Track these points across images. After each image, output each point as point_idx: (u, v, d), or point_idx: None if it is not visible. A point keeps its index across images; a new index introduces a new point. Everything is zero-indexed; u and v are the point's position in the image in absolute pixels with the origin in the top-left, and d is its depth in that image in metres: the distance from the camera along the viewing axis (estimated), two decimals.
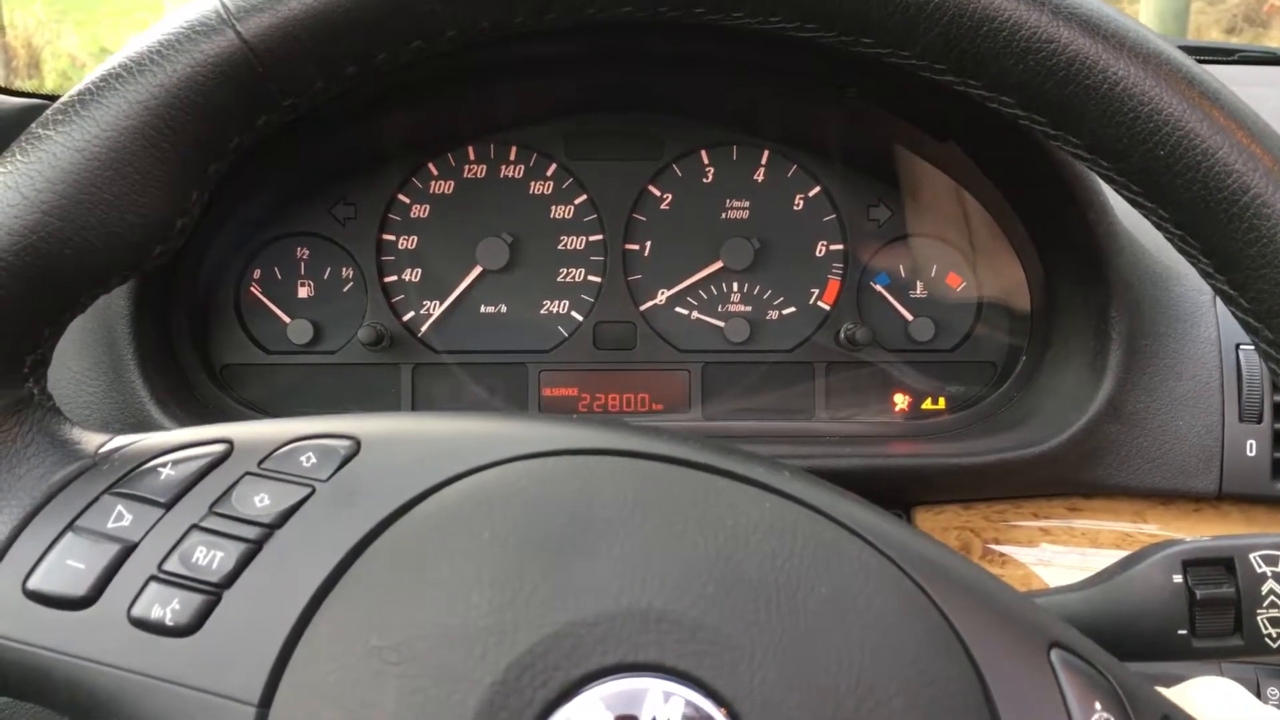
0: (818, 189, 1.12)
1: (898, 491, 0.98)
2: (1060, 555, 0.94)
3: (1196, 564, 0.65)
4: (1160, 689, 0.51)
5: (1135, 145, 0.47)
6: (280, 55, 0.48)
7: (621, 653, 0.41)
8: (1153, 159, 0.47)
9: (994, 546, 0.95)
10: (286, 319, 1.10)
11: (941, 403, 1.12)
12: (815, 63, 1.01)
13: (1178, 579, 0.64)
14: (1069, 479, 0.96)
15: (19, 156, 0.47)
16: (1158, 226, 0.51)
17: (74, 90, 0.48)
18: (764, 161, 1.12)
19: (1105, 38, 0.47)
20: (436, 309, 1.12)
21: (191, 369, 1.05)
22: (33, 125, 0.48)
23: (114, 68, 0.48)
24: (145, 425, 0.94)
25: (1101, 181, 0.92)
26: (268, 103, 0.50)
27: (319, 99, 0.51)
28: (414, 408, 1.11)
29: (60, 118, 0.47)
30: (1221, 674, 0.68)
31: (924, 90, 0.96)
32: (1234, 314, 0.51)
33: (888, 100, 1.04)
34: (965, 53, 0.48)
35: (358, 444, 0.49)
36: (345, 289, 1.11)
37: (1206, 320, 0.95)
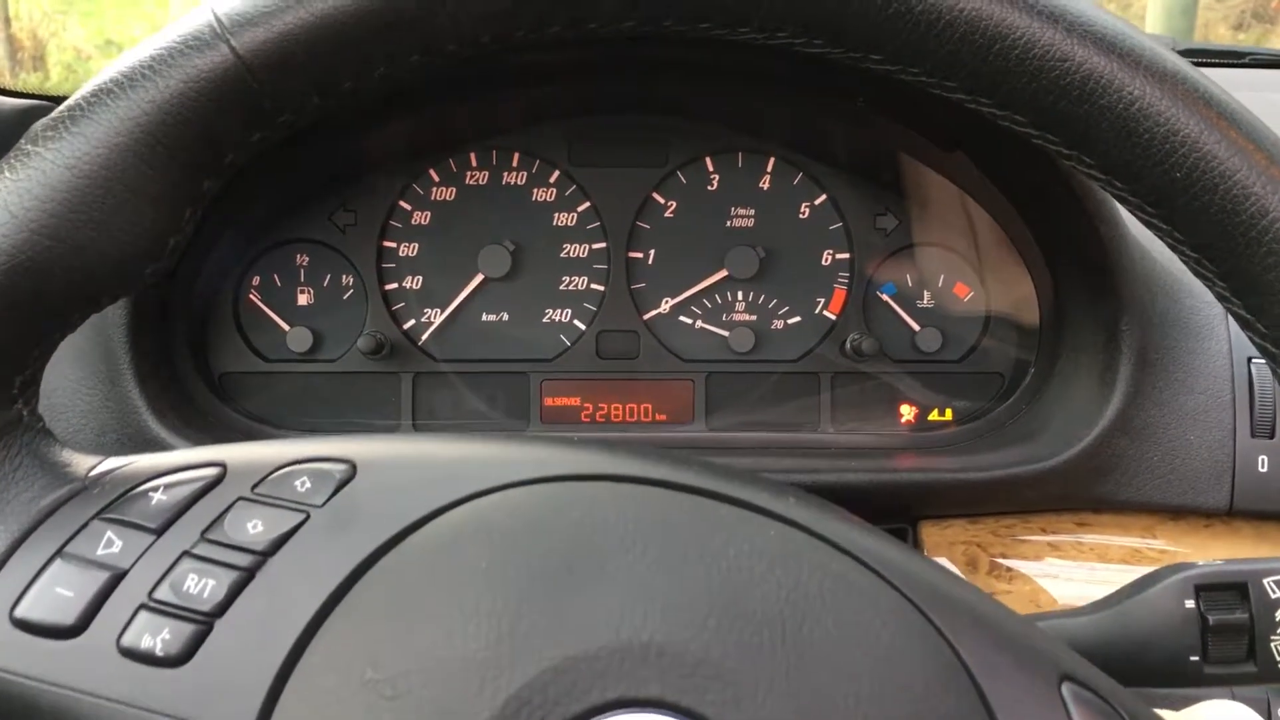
0: (824, 197, 1.11)
1: (904, 505, 0.97)
2: (1068, 571, 0.93)
3: (1209, 589, 0.64)
4: (1169, 712, 0.50)
5: (1151, 166, 0.46)
6: (275, 71, 0.47)
7: (622, 688, 0.40)
8: (1169, 181, 0.46)
9: (1001, 561, 0.94)
10: (286, 327, 1.09)
11: (948, 414, 1.11)
12: (823, 71, 1.00)
13: (1190, 604, 0.64)
14: (1078, 494, 0.94)
15: (7, 173, 0.46)
16: (1173, 249, 0.50)
17: (65, 105, 0.47)
18: (770, 169, 1.11)
19: (1121, 56, 0.45)
20: (437, 317, 1.11)
21: (189, 378, 1.04)
22: (22, 140, 0.47)
23: (105, 82, 0.47)
24: (142, 436, 0.93)
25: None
26: (262, 118, 0.49)
27: (315, 114, 0.50)
28: (414, 417, 1.10)
29: (50, 134, 0.46)
30: (1233, 697, 0.67)
31: (933, 100, 0.95)
32: (1251, 339, 0.50)
33: (896, 109, 1.03)
34: (977, 71, 0.47)
35: (353, 468, 0.48)
36: (345, 297, 1.10)
37: (1218, 334, 0.94)
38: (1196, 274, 0.50)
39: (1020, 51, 0.45)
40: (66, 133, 0.46)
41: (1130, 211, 0.50)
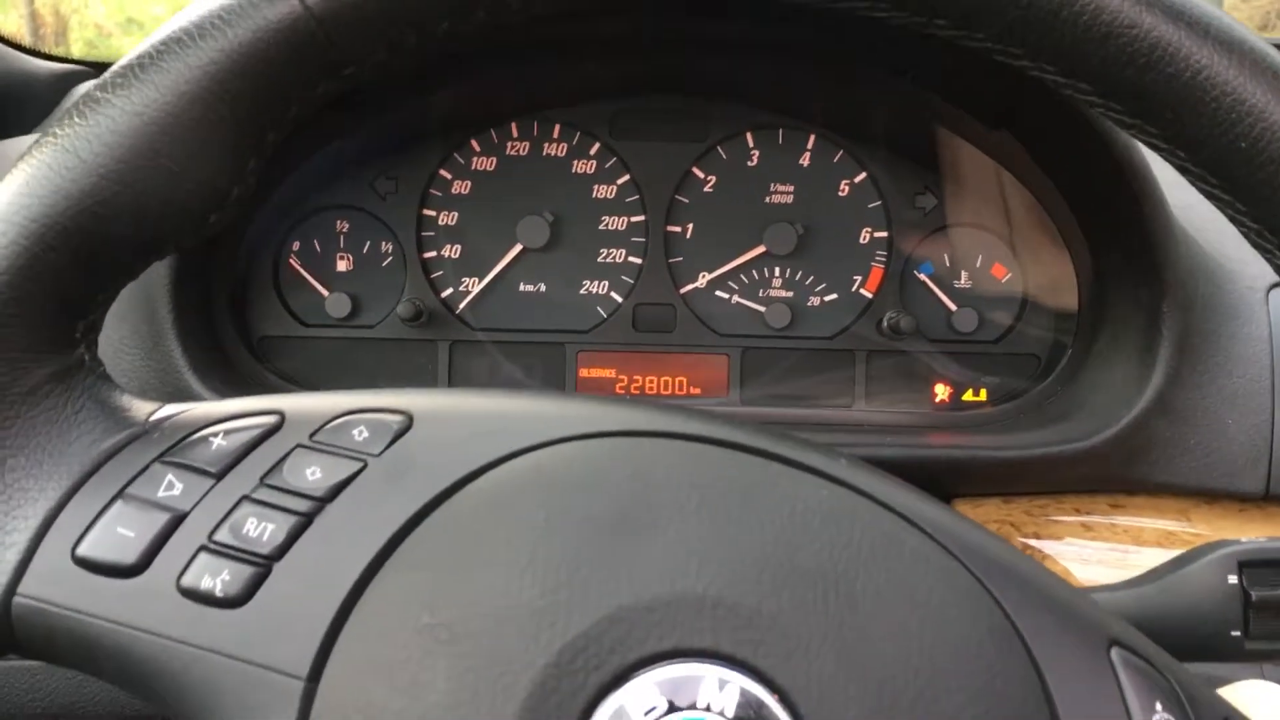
0: (864, 175, 1.11)
1: (937, 483, 0.97)
2: (1101, 553, 0.93)
3: (1253, 565, 0.64)
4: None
5: (1215, 136, 0.46)
6: (344, 23, 0.47)
7: (676, 638, 0.41)
8: (1233, 151, 0.46)
9: (1034, 542, 0.94)
10: (325, 292, 1.10)
11: (983, 394, 1.11)
12: (869, 46, 1.00)
13: (1233, 580, 0.63)
14: (1113, 475, 0.94)
15: (78, 120, 0.46)
16: (1233, 220, 0.49)
17: (133, 53, 0.48)
18: (810, 146, 1.11)
19: (1189, 24, 0.45)
20: (475, 286, 1.11)
21: (229, 339, 1.05)
22: (90, 88, 0.47)
23: (175, 31, 0.47)
24: (183, 394, 0.93)
25: (1156, 177, 0.91)
26: (328, 71, 0.49)
27: (379, 69, 0.50)
28: (451, 385, 1.11)
29: (119, 81, 0.47)
30: (1263, 675, 0.67)
31: (980, 77, 0.94)
32: None
33: (941, 86, 1.02)
34: (1043, 37, 0.46)
35: (410, 419, 0.48)
36: (384, 263, 1.11)
37: (1258, 318, 0.93)
38: (1256, 247, 0.50)
39: (1089, 18, 0.45)
40: (136, 80, 0.47)
41: (1191, 182, 0.49)
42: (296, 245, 1.10)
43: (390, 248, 1.11)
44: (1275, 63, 0.46)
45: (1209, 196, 0.49)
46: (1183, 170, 0.49)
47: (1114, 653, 0.44)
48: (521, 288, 1.12)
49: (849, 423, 1.09)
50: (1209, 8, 0.46)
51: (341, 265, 1.10)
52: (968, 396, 1.11)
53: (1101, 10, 0.45)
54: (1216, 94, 0.45)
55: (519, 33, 0.99)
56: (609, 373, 1.11)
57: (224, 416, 0.49)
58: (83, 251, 0.47)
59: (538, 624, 0.41)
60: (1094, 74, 0.47)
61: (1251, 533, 0.93)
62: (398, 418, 0.48)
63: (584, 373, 1.11)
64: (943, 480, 0.97)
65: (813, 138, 1.11)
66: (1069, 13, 0.45)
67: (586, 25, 1.01)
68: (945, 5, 0.47)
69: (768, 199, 1.11)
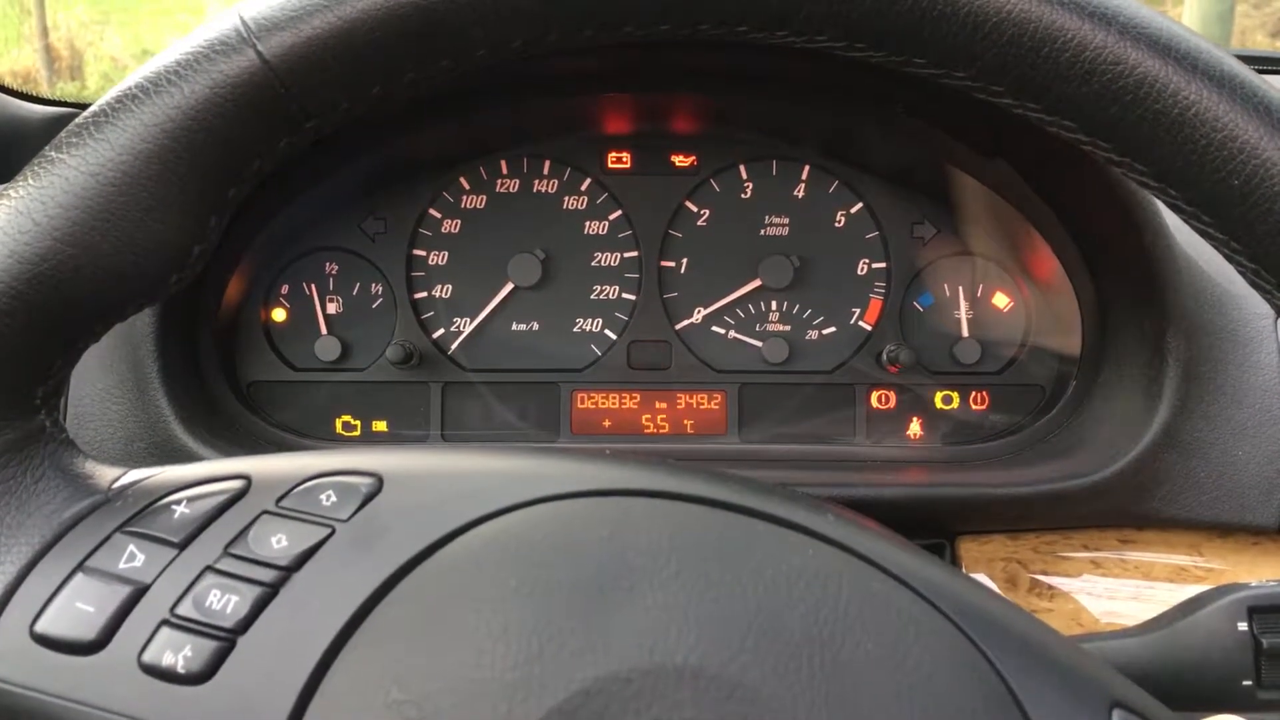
0: (860, 205, 1.10)
1: (941, 521, 0.95)
2: (1112, 589, 0.91)
3: (1263, 611, 0.62)
4: None
5: (1207, 174, 0.44)
6: (303, 76, 0.46)
7: (655, 711, 0.39)
8: (1225, 189, 0.44)
9: (1042, 578, 0.92)
10: (317, 333, 1.09)
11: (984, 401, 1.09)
12: (860, 77, 0.98)
13: (1243, 627, 0.62)
14: (1121, 510, 0.92)
15: (31, 181, 0.46)
16: (1229, 259, 0.48)
17: (89, 111, 0.47)
18: (804, 177, 1.10)
19: (1177, 59, 0.44)
20: (467, 326, 1.10)
21: (218, 387, 1.04)
22: (46, 147, 0.46)
23: (130, 88, 0.46)
24: (170, 445, 0.92)
25: (1156, 202, 0.89)
26: (289, 125, 0.48)
27: (343, 121, 0.49)
28: (443, 427, 1.10)
29: (74, 140, 0.46)
30: None
31: (974, 105, 0.93)
32: None
33: (936, 115, 1.01)
34: (1025, 75, 0.45)
35: (380, 481, 0.47)
36: (374, 305, 1.10)
37: (1268, 345, 0.91)
38: (1255, 286, 0.48)
39: (1071, 54, 0.44)
40: (90, 139, 0.46)
41: (1184, 220, 0.48)
42: (285, 288, 1.09)
43: (380, 289, 1.10)
44: (1267, 96, 0.44)
45: (1203, 235, 0.47)
46: (1174, 208, 0.47)
47: (1116, 715, 0.43)
48: (514, 327, 1.10)
49: (850, 459, 1.07)
50: (1198, 40, 0.44)
51: (331, 308, 1.10)
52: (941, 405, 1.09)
53: (1085, 46, 0.44)
54: (1206, 131, 0.43)
55: (505, 69, 0.98)
56: (604, 412, 1.10)
57: (189, 482, 0.47)
58: (39, 316, 0.46)
59: (510, 699, 0.39)
60: (1079, 112, 0.45)
61: (1266, 568, 0.91)
62: (367, 480, 0.47)
63: (579, 413, 1.10)
64: (947, 518, 0.95)
65: (807, 168, 1.10)
66: (1050, 50, 0.44)
67: (575, 60, 1.00)
68: (923, 45, 0.45)
69: (763, 231, 1.10)
